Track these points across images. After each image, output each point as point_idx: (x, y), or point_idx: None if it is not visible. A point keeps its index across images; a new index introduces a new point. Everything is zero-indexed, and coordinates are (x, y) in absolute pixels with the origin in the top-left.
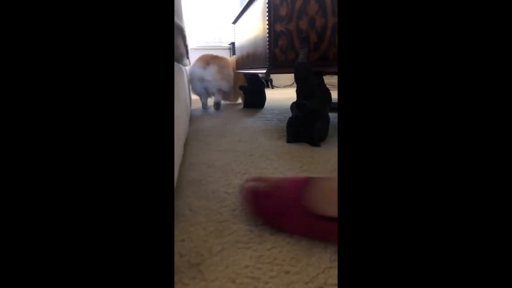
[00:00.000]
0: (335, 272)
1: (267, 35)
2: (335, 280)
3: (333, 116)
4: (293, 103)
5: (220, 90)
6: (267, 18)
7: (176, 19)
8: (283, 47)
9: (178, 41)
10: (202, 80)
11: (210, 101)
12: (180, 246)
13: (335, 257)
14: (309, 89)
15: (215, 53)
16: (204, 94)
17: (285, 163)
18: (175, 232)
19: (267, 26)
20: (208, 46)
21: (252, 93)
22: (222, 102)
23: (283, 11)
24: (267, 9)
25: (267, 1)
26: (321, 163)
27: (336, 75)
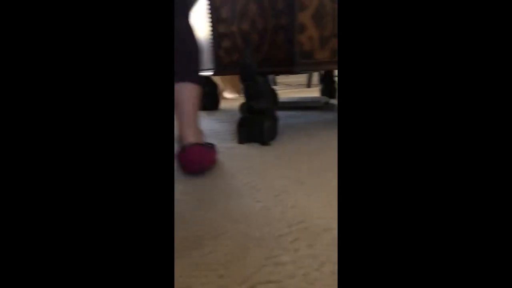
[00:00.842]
0: (269, 269)
1: (211, 37)
2: (269, 277)
3: (281, 115)
4: (242, 103)
5: None
6: (209, 19)
7: None
8: (227, 48)
9: None
10: None
11: None
12: None
13: (270, 254)
14: (256, 89)
15: None
16: None
17: (234, 165)
18: None
19: (210, 28)
20: None
21: (206, 96)
22: None
23: (224, 13)
24: (208, 11)
25: (208, 2)
26: (269, 162)
27: (282, 74)
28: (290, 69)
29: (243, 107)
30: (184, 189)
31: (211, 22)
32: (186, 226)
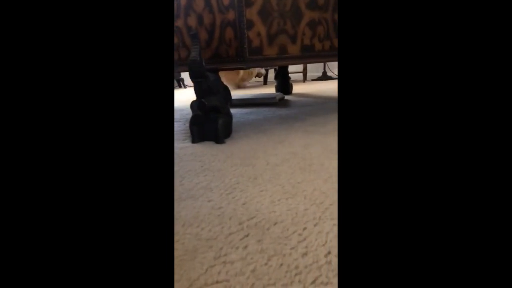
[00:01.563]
0: (217, 269)
1: None
2: (217, 278)
3: (235, 112)
4: (193, 101)
5: None
6: None
7: None
8: (174, 45)
9: None
10: None
11: None
12: None
13: (220, 253)
14: (206, 87)
15: None
16: None
17: (186, 165)
18: None
19: None
20: None
21: None
22: None
23: None
24: None
25: None
26: (222, 160)
27: (232, 70)
28: (240, 66)
29: (194, 105)
30: None
31: None
32: None
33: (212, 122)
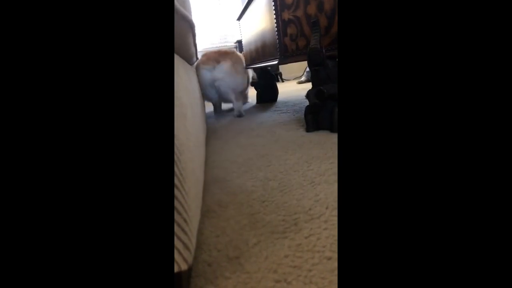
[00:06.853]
0: None
1: (275, 25)
2: None
3: None
4: (309, 91)
5: (235, 90)
6: (273, 7)
7: (186, 13)
8: (292, 35)
9: (188, 39)
10: (213, 82)
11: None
12: (216, 241)
13: None
14: (325, 74)
15: None
16: (217, 100)
17: (308, 152)
18: (209, 229)
19: (274, 16)
20: (213, 47)
21: (264, 88)
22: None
23: None
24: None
25: None
26: None
27: None
28: None
29: (311, 94)
30: (264, 175)
31: (275, 9)
32: (276, 210)
33: (328, 110)
